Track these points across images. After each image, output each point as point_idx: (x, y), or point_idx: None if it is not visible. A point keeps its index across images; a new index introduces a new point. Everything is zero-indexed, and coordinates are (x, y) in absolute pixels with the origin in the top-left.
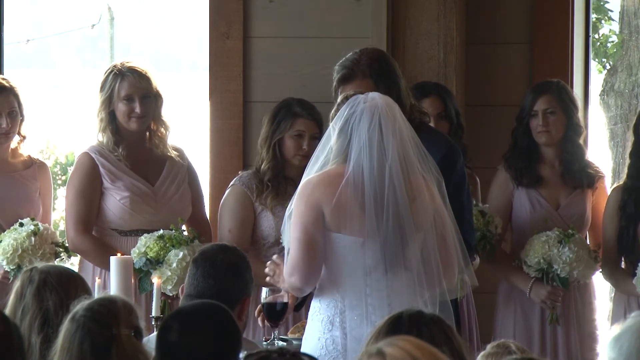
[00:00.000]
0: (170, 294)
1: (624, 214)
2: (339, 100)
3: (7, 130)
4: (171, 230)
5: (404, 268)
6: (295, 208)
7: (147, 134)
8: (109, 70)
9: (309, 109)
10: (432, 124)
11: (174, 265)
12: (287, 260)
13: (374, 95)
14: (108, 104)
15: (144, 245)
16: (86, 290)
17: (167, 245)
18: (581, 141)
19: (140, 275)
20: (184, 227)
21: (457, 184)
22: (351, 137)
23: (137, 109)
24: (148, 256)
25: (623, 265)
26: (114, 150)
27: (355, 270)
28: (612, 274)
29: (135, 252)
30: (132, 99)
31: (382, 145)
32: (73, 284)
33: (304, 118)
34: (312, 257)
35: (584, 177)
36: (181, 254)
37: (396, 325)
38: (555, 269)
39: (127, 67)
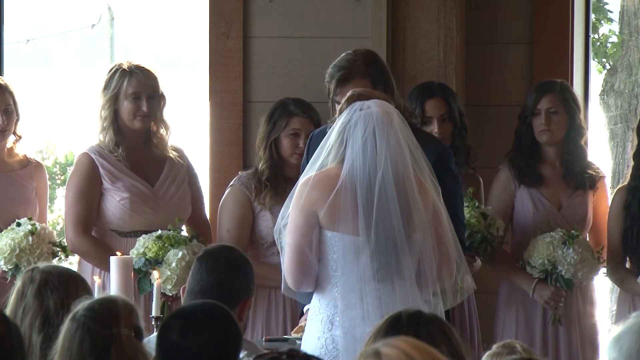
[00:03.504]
0: (170, 294)
1: (628, 214)
2: (342, 100)
3: (2, 128)
4: (169, 230)
5: (397, 276)
6: (291, 210)
7: (148, 135)
8: (115, 69)
9: (304, 107)
10: (436, 125)
11: (174, 265)
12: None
13: (370, 104)
14: (113, 102)
15: (143, 246)
16: (87, 290)
17: (166, 245)
18: (582, 142)
19: (139, 276)
20: (182, 227)
21: (450, 186)
22: (346, 144)
23: (144, 107)
24: (147, 256)
25: (627, 264)
26: (114, 150)
27: (354, 270)
28: (617, 274)
29: (134, 253)
30: (139, 97)
31: (374, 156)
32: (74, 284)
33: (299, 117)
34: (302, 264)
35: (585, 179)
36: (180, 253)
37: (395, 325)
38: (560, 270)
39: (134, 66)
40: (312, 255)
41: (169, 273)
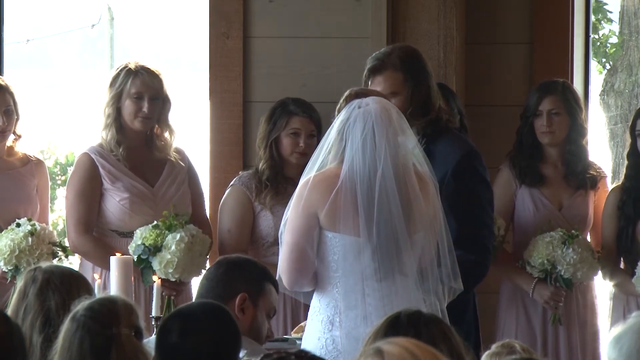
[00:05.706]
0: (173, 279)
1: (622, 214)
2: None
3: (3, 129)
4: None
5: (399, 273)
6: (291, 210)
7: (150, 136)
8: (121, 67)
9: (304, 107)
10: None
11: (173, 247)
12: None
13: (368, 101)
14: (117, 100)
15: (140, 237)
16: (88, 291)
17: (163, 231)
18: (584, 142)
19: (141, 266)
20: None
21: (477, 187)
22: (346, 142)
23: (145, 108)
24: (147, 243)
25: (622, 265)
26: (115, 149)
27: (355, 270)
28: (611, 274)
29: (132, 247)
30: (141, 97)
31: (374, 152)
32: (75, 284)
33: (299, 116)
34: (298, 264)
35: (587, 179)
36: (178, 235)
37: (395, 325)
38: (559, 270)
39: (140, 66)
40: (313, 255)
41: (169, 257)
